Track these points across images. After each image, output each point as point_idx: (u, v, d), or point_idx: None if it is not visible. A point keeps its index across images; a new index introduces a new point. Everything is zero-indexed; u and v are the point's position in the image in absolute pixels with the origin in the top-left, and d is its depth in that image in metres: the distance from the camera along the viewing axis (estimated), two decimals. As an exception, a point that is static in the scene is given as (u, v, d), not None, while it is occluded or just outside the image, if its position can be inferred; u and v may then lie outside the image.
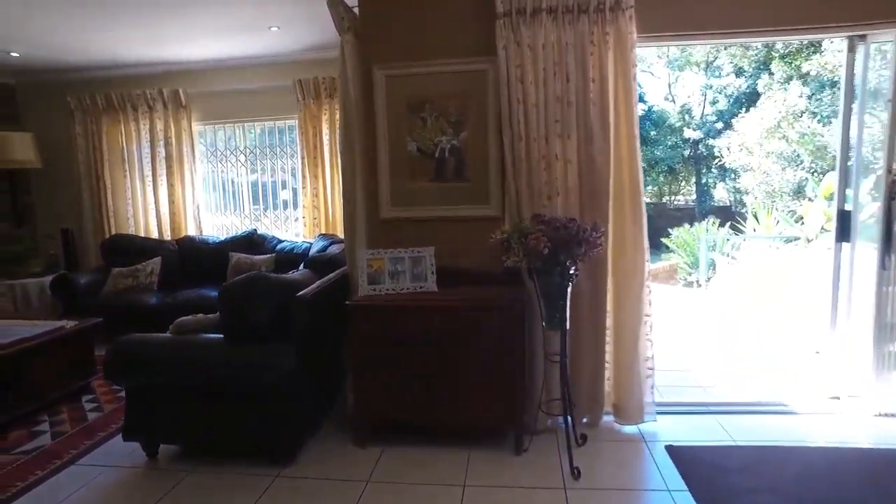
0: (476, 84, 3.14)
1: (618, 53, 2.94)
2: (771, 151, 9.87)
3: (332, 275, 3.31)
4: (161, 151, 5.82)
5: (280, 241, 5.46)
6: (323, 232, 5.45)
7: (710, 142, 12.43)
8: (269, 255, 5.27)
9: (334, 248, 4.12)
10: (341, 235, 5.33)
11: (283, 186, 5.94)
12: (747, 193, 11.08)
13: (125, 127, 5.90)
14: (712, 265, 8.45)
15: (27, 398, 3.60)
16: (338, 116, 5.42)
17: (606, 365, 3.14)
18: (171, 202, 5.88)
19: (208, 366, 2.75)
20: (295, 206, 5.90)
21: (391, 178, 3.26)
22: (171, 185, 5.85)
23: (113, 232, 6.00)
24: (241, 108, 5.77)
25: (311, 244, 5.02)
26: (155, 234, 5.96)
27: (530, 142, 2.98)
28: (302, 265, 3.82)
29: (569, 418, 2.79)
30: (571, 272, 2.68)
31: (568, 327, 2.80)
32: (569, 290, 2.74)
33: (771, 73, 10.44)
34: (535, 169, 3.00)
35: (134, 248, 5.58)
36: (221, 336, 2.83)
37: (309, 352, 2.88)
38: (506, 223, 3.12)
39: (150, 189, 5.93)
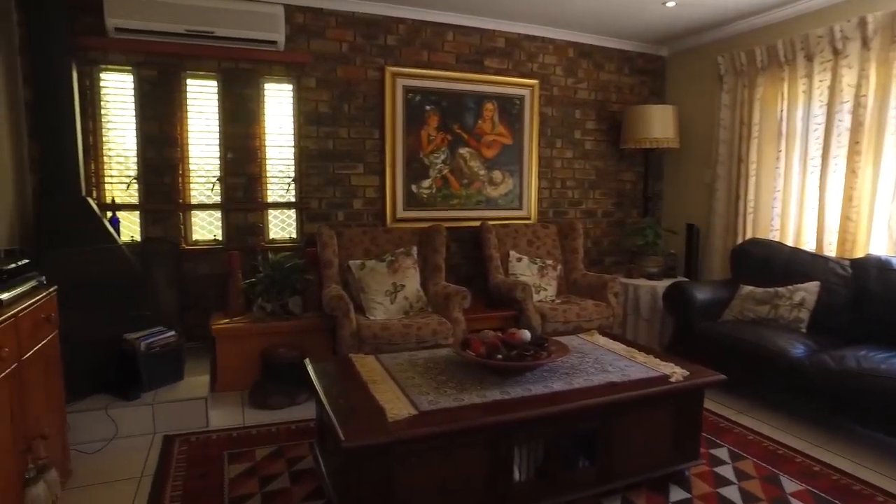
0: None
1: None
2: None
3: None
4: (842, 120, 3.78)
5: None
6: None
7: None
8: None
9: None
10: None
11: None
12: None
13: (789, 87, 4.13)
14: None
15: (600, 473, 2.48)
16: None
17: None
18: (847, 199, 3.77)
19: None
20: None
21: None
22: (850, 172, 3.74)
23: (748, 235, 4.44)
24: None
25: None
26: (811, 247, 4.04)
27: None
28: None
29: None
30: None
31: None
32: None
33: None
34: None
35: (777, 263, 3.86)
36: None
37: None
38: None
39: (812, 178, 4.01)
